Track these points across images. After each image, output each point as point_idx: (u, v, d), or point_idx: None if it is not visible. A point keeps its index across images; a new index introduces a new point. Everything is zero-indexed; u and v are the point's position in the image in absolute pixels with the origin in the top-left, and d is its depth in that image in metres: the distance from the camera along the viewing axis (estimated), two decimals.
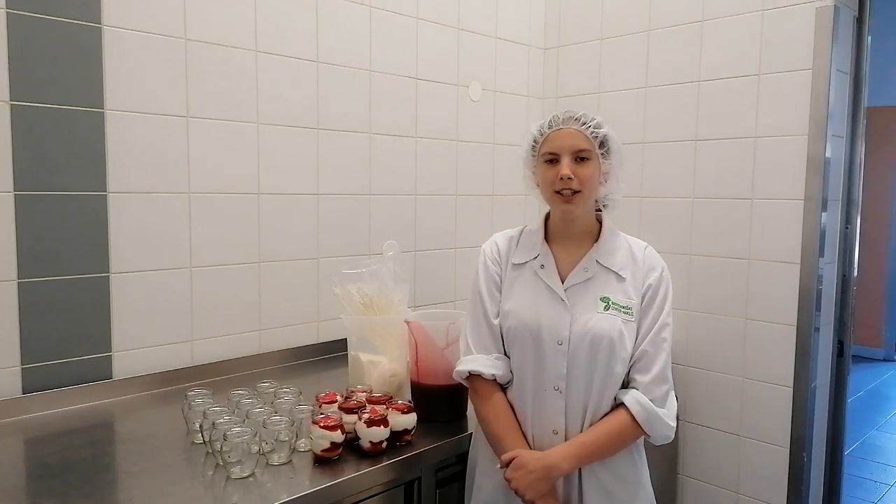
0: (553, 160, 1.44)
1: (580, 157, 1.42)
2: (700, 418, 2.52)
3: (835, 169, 2.27)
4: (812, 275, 2.20)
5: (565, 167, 1.41)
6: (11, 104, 1.64)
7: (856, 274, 2.44)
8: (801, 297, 2.23)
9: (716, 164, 2.43)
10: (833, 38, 2.15)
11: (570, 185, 1.41)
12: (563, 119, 1.45)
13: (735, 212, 2.38)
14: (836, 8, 2.14)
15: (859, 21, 2.31)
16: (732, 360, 2.42)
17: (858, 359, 6.32)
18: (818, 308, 2.23)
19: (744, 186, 2.36)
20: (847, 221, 2.38)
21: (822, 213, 2.20)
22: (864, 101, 2.35)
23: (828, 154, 2.19)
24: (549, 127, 1.46)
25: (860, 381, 5.81)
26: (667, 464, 2.53)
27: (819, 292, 2.23)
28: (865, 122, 2.37)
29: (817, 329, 2.24)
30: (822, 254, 2.22)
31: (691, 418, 2.54)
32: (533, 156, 1.49)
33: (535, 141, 1.48)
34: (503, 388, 1.49)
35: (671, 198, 2.56)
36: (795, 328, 2.25)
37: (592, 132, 1.43)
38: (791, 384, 2.27)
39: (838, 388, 2.43)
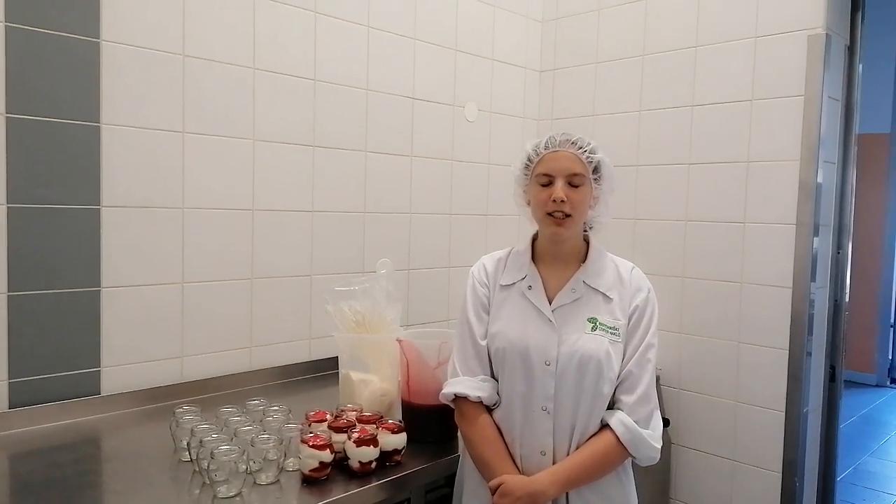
0: (547, 182, 1.44)
1: (574, 181, 1.43)
2: (692, 442, 2.51)
3: (826, 194, 2.29)
4: (804, 299, 2.21)
5: (559, 190, 1.41)
6: (7, 116, 1.64)
7: (847, 299, 2.45)
8: (793, 322, 2.24)
9: (709, 187, 2.45)
10: (825, 66, 2.18)
11: (562, 207, 1.41)
12: (560, 141, 1.46)
13: (727, 235, 2.39)
14: (827, 36, 2.18)
15: (850, 49, 2.35)
16: (725, 383, 2.41)
17: (850, 384, 6.31)
18: (810, 332, 2.23)
19: (736, 210, 2.37)
20: (839, 246, 2.39)
21: (814, 238, 2.22)
22: (856, 128, 2.39)
23: (819, 179, 2.21)
24: (546, 148, 1.46)
25: (853, 406, 5.80)
26: (658, 487, 2.51)
27: (811, 317, 2.23)
28: (857, 148, 2.40)
29: (809, 353, 2.25)
30: (813, 278, 2.23)
31: (683, 441, 2.53)
32: (526, 175, 1.50)
33: (529, 160, 1.49)
34: (490, 410, 1.48)
35: (664, 220, 2.57)
36: (788, 352, 2.25)
37: (588, 157, 1.44)
38: (783, 408, 2.26)
39: (830, 412, 2.43)
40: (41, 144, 1.69)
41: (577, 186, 1.43)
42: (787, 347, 2.25)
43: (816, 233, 2.23)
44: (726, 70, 2.39)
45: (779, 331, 2.27)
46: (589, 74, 2.81)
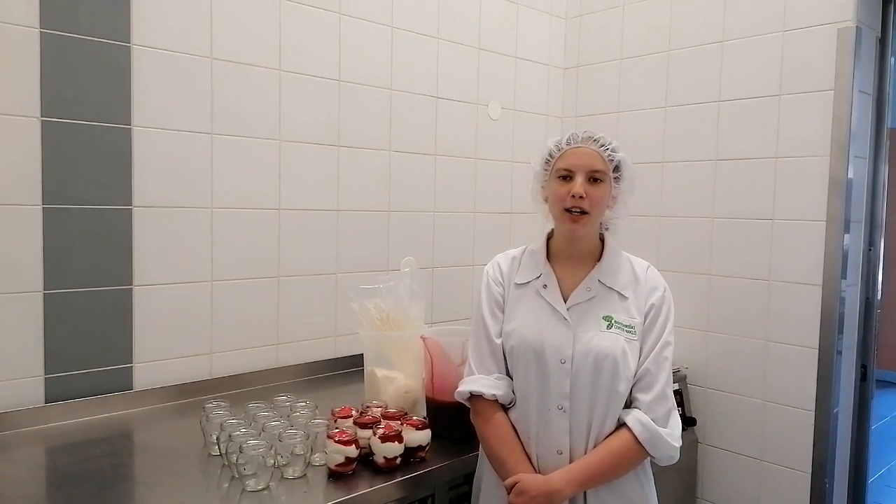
0: (567, 177, 1.44)
1: (594, 178, 1.43)
2: (720, 441, 2.48)
3: (857, 190, 2.25)
4: (834, 297, 2.17)
5: (579, 185, 1.41)
6: (42, 120, 1.69)
7: (880, 296, 2.40)
8: (822, 320, 2.20)
9: (736, 183, 2.42)
10: (855, 59, 2.13)
11: (580, 204, 1.41)
12: (583, 138, 1.46)
13: (755, 232, 2.36)
14: (857, 28, 2.14)
15: (882, 42, 2.30)
16: (753, 382, 2.38)
17: (883, 384, 6.17)
18: (841, 331, 2.20)
19: (764, 207, 2.34)
20: (870, 243, 2.35)
21: (845, 235, 2.18)
22: (888, 122, 2.33)
23: (850, 175, 2.17)
24: (567, 144, 1.46)
25: (886, 406, 5.67)
26: (686, 487, 2.49)
27: (841, 315, 2.19)
28: (889, 142, 2.35)
29: (840, 352, 2.21)
30: (844, 276, 2.19)
31: (711, 441, 2.50)
32: (546, 170, 1.49)
33: (550, 155, 1.48)
34: (505, 408, 1.48)
35: (690, 217, 2.54)
36: (817, 351, 2.22)
37: (609, 155, 1.44)
38: (813, 408, 2.23)
39: (862, 412, 2.39)
40: (75, 147, 1.74)
41: (596, 183, 1.43)
42: (817, 346, 2.22)
43: (847, 229, 2.19)
44: (754, 65, 2.36)
45: (808, 329, 2.23)
46: (613, 71, 2.79)
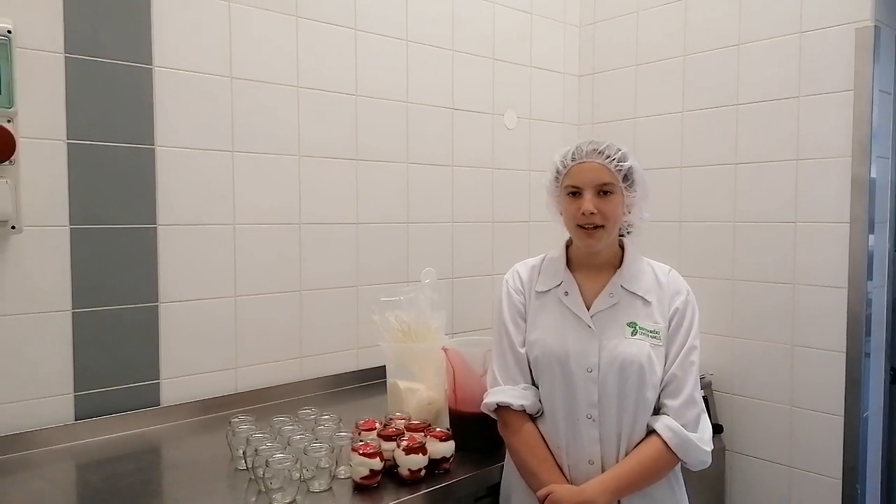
0: (576, 193, 1.43)
1: (604, 191, 1.41)
2: (747, 448, 2.45)
3: (881, 190, 2.22)
4: (861, 299, 2.14)
5: (588, 202, 1.39)
6: (68, 143, 1.73)
7: None
8: (849, 323, 2.17)
9: (757, 187, 2.39)
10: (875, 58, 2.11)
11: (592, 220, 1.40)
12: (587, 152, 1.43)
13: (778, 235, 2.34)
14: (876, 28, 2.11)
15: None
16: (779, 387, 2.35)
17: None
18: (868, 333, 2.16)
19: (786, 209, 2.31)
20: None
21: (870, 236, 2.15)
22: None
23: (873, 175, 2.14)
24: (573, 159, 1.44)
25: None
26: (714, 495, 2.45)
27: (868, 317, 2.16)
28: None
29: (868, 355, 2.17)
30: (870, 277, 2.16)
31: (738, 448, 2.47)
32: (557, 185, 1.48)
33: (557, 171, 1.47)
34: (533, 419, 1.47)
35: (711, 222, 2.52)
36: (845, 354, 2.18)
37: (617, 166, 1.41)
38: (842, 413, 2.19)
39: (892, 416, 2.34)
40: (100, 168, 1.78)
41: (607, 196, 1.41)
42: (844, 349, 2.18)
43: (872, 230, 2.16)
44: (771, 67, 2.34)
45: (835, 332, 2.20)
46: (629, 77, 2.79)
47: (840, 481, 2.20)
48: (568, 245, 1.54)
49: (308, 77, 2.16)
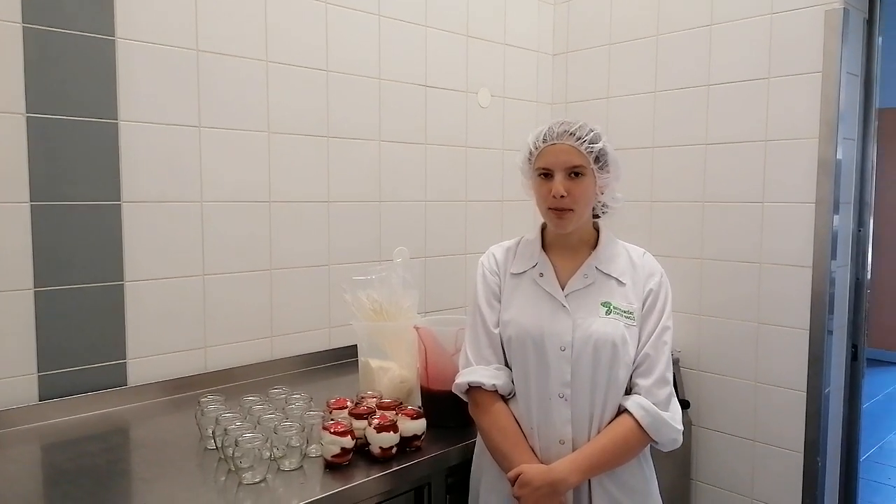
0: (547, 174, 1.42)
1: (574, 173, 1.41)
2: (713, 423, 2.51)
3: (846, 171, 2.26)
4: (824, 278, 2.19)
5: (558, 184, 1.39)
6: (27, 116, 1.67)
7: (869, 277, 2.42)
8: (813, 301, 2.22)
9: (726, 167, 2.42)
10: (842, 40, 2.14)
11: (562, 203, 1.40)
12: (558, 133, 1.42)
13: (746, 215, 2.37)
14: (845, 10, 2.14)
15: (869, 22, 2.30)
16: (745, 364, 2.40)
17: (875, 362, 6.23)
18: (831, 311, 2.22)
19: (754, 190, 2.35)
20: (860, 224, 2.36)
21: (834, 216, 2.19)
22: (876, 103, 2.34)
23: (839, 156, 2.18)
24: (544, 141, 1.43)
25: (878, 384, 5.74)
26: (679, 469, 2.51)
27: (832, 296, 2.21)
28: (877, 123, 2.36)
29: (830, 332, 2.23)
30: (834, 257, 2.20)
31: (704, 423, 2.53)
32: (529, 166, 1.48)
33: (530, 153, 1.46)
34: (505, 400, 1.48)
35: (681, 202, 2.55)
36: (808, 332, 2.24)
37: (588, 148, 1.40)
38: (805, 388, 2.25)
39: (853, 392, 2.41)
40: (61, 143, 1.72)
41: (578, 178, 1.41)
42: (808, 327, 2.23)
43: (837, 210, 2.20)
44: (742, 48, 2.36)
45: (799, 310, 2.25)
46: (602, 56, 2.78)
47: (802, 455, 2.27)
48: (543, 227, 1.54)
49: (277, 51, 2.11)
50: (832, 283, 2.21)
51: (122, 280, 1.85)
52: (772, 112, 2.30)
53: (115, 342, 1.85)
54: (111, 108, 1.80)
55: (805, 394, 2.25)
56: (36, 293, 1.71)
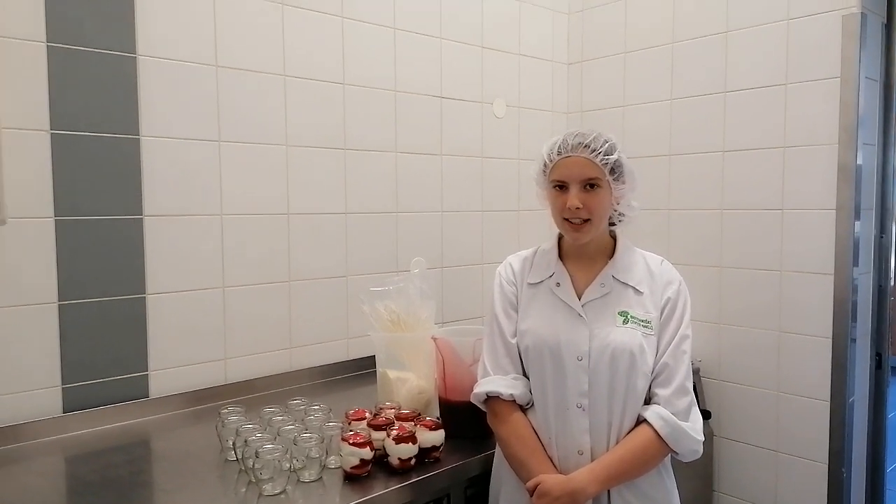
0: (562, 186, 1.42)
1: (590, 185, 1.40)
2: (735, 433, 2.47)
3: (867, 177, 2.23)
4: (847, 285, 2.16)
5: (574, 197, 1.39)
6: (52, 133, 1.70)
7: (892, 283, 2.38)
8: (835, 309, 2.19)
9: (744, 174, 2.40)
10: (861, 45, 2.12)
11: (578, 214, 1.40)
12: (573, 146, 1.41)
13: (765, 223, 2.35)
14: (863, 15, 2.12)
15: (888, 27, 2.28)
16: (767, 373, 2.37)
17: None
18: (854, 319, 2.18)
19: (774, 197, 2.33)
20: (881, 230, 2.33)
21: (856, 223, 2.16)
22: None
23: (859, 162, 2.16)
24: (559, 153, 1.43)
25: None
26: (701, 480, 2.48)
27: (854, 303, 2.18)
28: None
29: (854, 340, 2.19)
30: (856, 263, 2.17)
31: (726, 433, 2.49)
32: (544, 177, 1.47)
33: (544, 165, 1.46)
34: (523, 409, 1.47)
35: (699, 210, 2.53)
36: (831, 340, 2.20)
37: (602, 160, 1.40)
38: (828, 398, 2.22)
39: (878, 401, 2.37)
40: (84, 158, 1.76)
41: (593, 189, 1.40)
42: (831, 335, 2.20)
43: (858, 217, 2.17)
44: (759, 54, 2.34)
45: (821, 318, 2.22)
46: (618, 65, 2.78)
47: (826, 466, 2.23)
48: (560, 237, 1.54)
49: (295, 65, 2.14)
50: (854, 290, 2.18)
51: (143, 293, 1.87)
52: (790, 118, 2.28)
53: (137, 355, 1.87)
54: (133, 124, 1.83)
55: (829, 403, 2.22)
56: (60, 307, 1.74)
